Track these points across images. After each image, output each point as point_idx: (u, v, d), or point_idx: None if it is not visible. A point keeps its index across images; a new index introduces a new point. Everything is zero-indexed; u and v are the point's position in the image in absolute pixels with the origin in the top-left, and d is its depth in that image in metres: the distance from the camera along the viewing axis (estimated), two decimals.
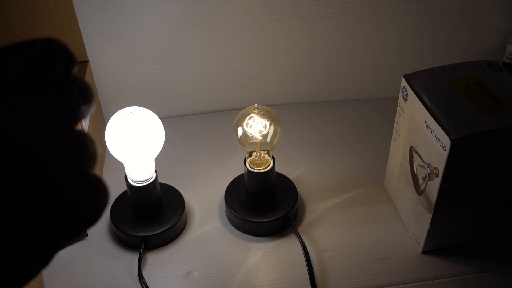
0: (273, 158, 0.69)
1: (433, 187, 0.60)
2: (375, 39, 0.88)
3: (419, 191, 0.65)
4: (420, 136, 0.62)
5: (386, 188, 0.77)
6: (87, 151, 0.26)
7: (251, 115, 0.67)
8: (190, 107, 0.92)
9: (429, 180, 0.61)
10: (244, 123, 0.67)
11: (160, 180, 0.71)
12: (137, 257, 0.67)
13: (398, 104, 0.67)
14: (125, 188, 0.71)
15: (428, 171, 0.61)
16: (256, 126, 0.67)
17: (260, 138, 0.67)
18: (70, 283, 0.66)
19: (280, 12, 0.83)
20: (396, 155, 0.71)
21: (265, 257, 0.68)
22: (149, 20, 0.80)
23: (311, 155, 0.83)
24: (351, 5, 0.83)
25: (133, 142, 0.63)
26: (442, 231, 0.65)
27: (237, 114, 0.68)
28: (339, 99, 0.94)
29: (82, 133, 0.26)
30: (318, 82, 0.92)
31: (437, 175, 0.59)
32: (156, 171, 0.68)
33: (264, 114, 0.67)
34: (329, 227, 0.72)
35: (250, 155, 0.69)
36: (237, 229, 0.72)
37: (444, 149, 0.56)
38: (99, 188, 0.27)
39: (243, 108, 0.68)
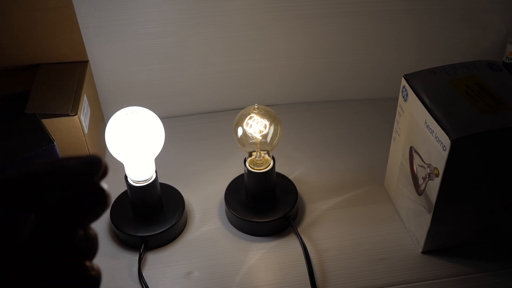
0: (273, 158, 0.69)
1: (433, 187, 0.60)
2: (375, 39, 0.88)
3: (419, 191, 0.65)
4: (420, 136, 0.62)
5: (386, 188, 0.77)
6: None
7: (251, 115, 0.67)
8: (190, 107, 0.92)
9: (429, 180, 0.61)
10: (244, 123, 0.67)
11: (160, 180, 0.71)
12: (137, 257, 0.67)
13: (398, 104, 0.67)
14: (125, 188, 0.71)
15: (428, 171, 0.61)
16: (256, 126, 0.67)
17: (260, 138, 0.67)
18: None
19: (280, 12, 0.83)
20: (396, 155, 0.71)
21: (265, 257, 0.68)
22: (149, 20, 0.80)
23: (311, 155, 0.83)
24: (351, 5, 0.83)
25: (133, 142, 0.63)
26: (442, 231, 0.65)
27: (237, 114, 0.68)
28: (339, 99, 0.94)
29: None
30: (318, 82, 0.92)
31: (437, 175, 0.59)
32: (156, 171, 0.68)
33: (264, 114, 0.67)
34: (329, 227, 0.72)
35: (250, 155, 0.69)
36: (237, 229, 0.72)
37: (444, 149, 0.56)
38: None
39: (243, 108, 0.68)
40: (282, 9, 0.82)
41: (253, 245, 0.70)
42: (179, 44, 0.84)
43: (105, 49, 0.82)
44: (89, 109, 0.76)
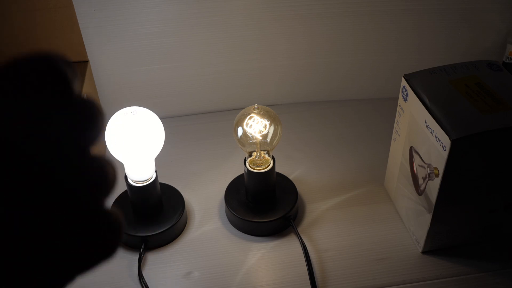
0: (273, 158, 0.69)
1: (433, 187, 0.60)
2: (375, 39, 0.88)
3: (419, 191, 0.65)
4: (420, 136, 0.62)
5: (386, 188, 0.77)
6: (106, 176, 0.25)
7: (251, 115, 0.67)
8: (190, 107, 0.92)
9: (429, 180, 0.61)
10: (244, 123, 0.67)
11: (160, 180, 0.71)
12: (137, 257, 0.67)
13: (398, 104, 0.67)
14: (125, 188, 0.71)
15: (428, 171, 0.61)
16: (256, 126, 0.67)
17: (260, 138, 0.67)
18: (70, 283, 0.66)
19: (280, 12, 0.83)
20: (396, 155, 0.71)
21: (265, 257, 0.68)
22: (149, 20, 0.80)
23: (311, 155, 0.83)
24: (351, 5, 0.83)
25: (133, 142, 0.63)
26: (442, 231, 0.65)
27: (237, 114, 0.68)
28: (339, 99, 0.94)
29: (102, 158, 0.25)
30: (318, 82, 0.92)
31: (437, 175, 0.59)
32: (156, 171, 0.68)
33: (264, 114, 0.67)
34: (329, 227, 0.72)
35: (250, 155, 0.69)
36: (237, 229, 0.72)
37: (444, 149, 0.56)
38: (117, 218, 0.26)
39: (243, 108, 0.68)
40: (282, 9, 0.82)
41: (253, 245, 0.70)
42: (179, 44, 0.84)
43: (105, 49, 0.82)
44: None
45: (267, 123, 0.67)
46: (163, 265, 0.68)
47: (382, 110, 0.91)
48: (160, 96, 0.89)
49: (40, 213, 0.23)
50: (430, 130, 0.59)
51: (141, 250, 0.67)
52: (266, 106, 0.68)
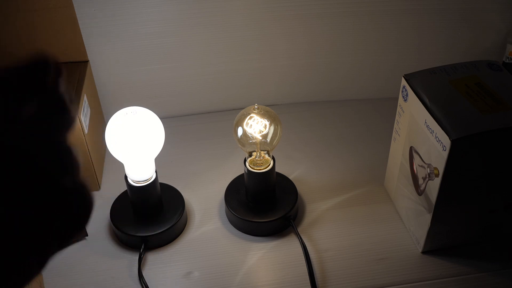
0: (273, 158, 0.69)
1: (433, 187, 0.60)
2: (375, 39, 0.88)
3: (419, 191, 0.65)
4: (420, 136, 0.62)
5: (386, 188, 0.77)
6: (75, 157, 0.28)
7: (251, 115, 0.67)
8: (190, 107, 0.92)
9: (429, 180, 0.61)
10: (244, 123, 0.67)
11: (160, 180, 0.71)
12: (137, 257, 0.67)
13: (398, 104, 0.67)
14: (125, 188, 0.71)
15: (428, 171, 0.61)
16: (256, 126, 0.67)
17: (260, 138, 0.67)
18: (70, 283, 0.66)
19: (280, 12, 0.83)
20: (396, 155, 0.71)
21: (265, 257, 0.68)
22: (149, 20, 0.80)
23: (311, 155, 0.83)
24: (351, 5, 0.83)
25: (133, 142, 0.63)
26: (442, 231, 0.65)
27: (237, 114, 0.68)
28: (339, 99, 0.94)
29: (68, 143, 0.28)
30: (318, 82, 0.92)
31: (437, 175, 0.59)
32: (156, 171, 0.68)
33: (264, 114, 0.67)
34: (329, 227, 0.72)
35: (250, 155, 0.69)
36: (237, 229, 0.72)
37: (444, 149, 0.56)
38: (87, 189, 0.28)
39: (243, 108, 0.68)
40: (282, 9, 0.82)
41: (253, 245, 0.70)
42: (179, 44, 0.84)
43: (105, 49, 0.82)
44: (89, 109, 0.76)
45: (267, 123, 0.67)
46: (163, 265, 0.68)
47: (382, 110, 0.91)
48: (160, 96, 0.89)
49: (18, 191, 0.25)
50: (430, 130, 0.59)
51: (141, 250, 0.67)
52: (266, 106, 0.68)
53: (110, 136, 0.64)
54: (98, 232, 0.72)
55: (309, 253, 0.68)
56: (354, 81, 0.93)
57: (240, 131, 0.67)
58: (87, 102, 0.75)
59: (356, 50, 0.89)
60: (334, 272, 0.66)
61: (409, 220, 0.70)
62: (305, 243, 0.68)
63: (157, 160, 0.68)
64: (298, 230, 0.70)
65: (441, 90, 0.61)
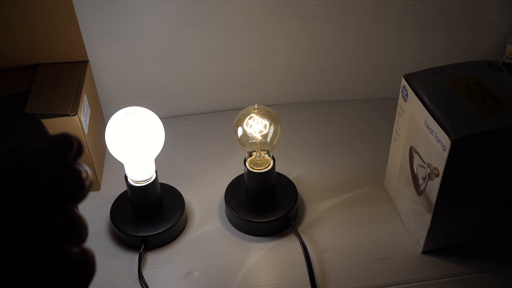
0: (273, 158, 0.69)
1: (433, 187, 0.60)
2: (375, 39, 0.88)
3: (419, 191, 0.65)
4: (420, 136, 0.62)
5: (386, 188, 0.77)
6: (85, 227, 0.31)
7: (251, 115, 0.67)
8: (190, 107, 0.92)
9: (429, 180, 0.61)
10: (244, 123, 0.67)
11: (160, 180, 0.71)
12: (137, 257, 0.67)
13: (398, 104, 0.67)
14: (125, 188, 0.71)
15: (428, 171, 0.61)
16: (256, 126, 0.67)
17: (260, 138, 0.67)
18: None
19: (280, 12, 0.83)
20: (396, 155, 0.71)
21: (265, 257, 0.68)
22: (149, 20, 0.80)
23: (311, 155, 0.83)
24: (351, 5, 0.83)
25: (133, 142, 0.63)
26: (442, 231, 0.65)
27: (237, 114, 0.68)
28: (339, 99, 0.94)
29: (78, 213, 0.31)
30: (318, 82, 0.92)
31: (437, 175, 0.59)
32: (156, 171, 0.68)
33: (264, 114, 0.67)
34: (329, 227, 0.72)
35: (250, 155, 0.69)
36: (237, 229, 0.72)
37: (444, 149, 0.56)
38: (91, 259, 0.31)
39: (243, 108, 0.68)
40: (282, 9, 0.82)
41: (253, 245, 0.70)
42: (179, 44, 0.84)
43: (105, 49, 0.82)
44: (89, 109, 0.76)
45: (267, 123, 0.67)
46: (163, 265, 0.68)
47: (382, 110, 0.91)
48: (160, 96, 0.89)
49: (24, 256, 0.28)
50: (430, 130, 0.59)
51: (141, 250, 0.67)
52: (266, 106, 0.68)
53: (110, 136, 0.64)
54: (98, 232, 0.72)
55: (309, 253, 0.68)
56: (354, 81, 0.93)
57: (240, 131, 0.67)
58: (87, 102, 0.75)
59: (356, 50, 0.89)
60: (334, 272, 0.66)
61: (409, 220, 0.70)
62: (305, 243, 0.68)
63: (157, 160, 0.68)
64: (298, 230, 0.70)
65: (441, 90, 0.61)
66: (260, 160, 0.69)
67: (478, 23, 0.87)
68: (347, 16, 0.84)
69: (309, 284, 0.64)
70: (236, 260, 0.68)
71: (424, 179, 0.63)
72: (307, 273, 0.65)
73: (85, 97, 0.75)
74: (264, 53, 0.87)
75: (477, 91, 0.61)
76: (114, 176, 0.79)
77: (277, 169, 0.73)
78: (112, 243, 0.71)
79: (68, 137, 0.31)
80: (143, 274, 0.66)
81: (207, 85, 0.89)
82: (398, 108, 0.68)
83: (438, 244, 0.67)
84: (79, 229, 0.30)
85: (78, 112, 0.70)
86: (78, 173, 0.30)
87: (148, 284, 0.65)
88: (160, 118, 0.66)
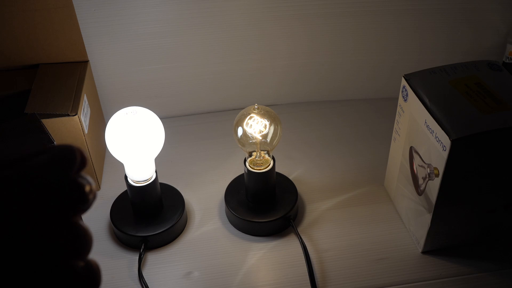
0: (273, 158, 0.69)
1: (433, 187, 0.60)
2: (375, 39, 0.88)
3: (419, 191, 0.65)
4: (420, 136, 0.62)
5: (386, 188, 0.77)
6: (89, 239, 0.31)
7: (251, 115, 0.67)
8: (190, 107, 0.92)
9: (429, 180, 0.61)
10: (244, 123, 0.67)
11: (160, 180, 0.71)
12: (137, 257, 0.67)
13: (398, 104, 0.67)
14: (125, 188, 0.71)
15: (428, 171, 0.61)
16: (256, 126, 0.67)
17: (260, 138, 0.67)
18: None
19: (280, 12, 0.83)
20: (396, 155, 0.71)
21: (265, 257, 0.68)
22: (149, 20, 0.80)
23: (311, 155, 0.83)
24: (351, 5, 0.83)
25: (133, 142, 0.63)
26: (442, 231, 0.65)
27: (237, 114, 0.68)
28: (339, 99, 0.94)
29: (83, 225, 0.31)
30: (318, 82, 0.92)
31: (437, 175, 0.59)
32: (156, 171, 0.68)
33: (264, 114, 0.67)
34: (329, 227, 0.72)
35: (250, 155, 0.69)
36: (237, 229, 0.72)
37: (444, 149, 0.56)
38: (96, 272, 0.31)
39: (243, 108, 0.68)
40: (282, 9, 0.82)
41: (253, 245, 0.70)
42: (179, 44, 0.84)
43: (105, 49, 0.82)
44: (89, 109, 0.76)
45: (267, 123, 0.67)
46: (163, 265, 0.68)
47: (382, 110, 0.91)
48: (160, 96, 0.89)
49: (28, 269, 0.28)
50: (430, 130, 0.59)
51: (141, 250, 0.67)
52: (266, 106, 0.68)
53: (110, 136, 0.64)
54: (98, 232, 0.72)
55: (309, 253, 0.68)
56: (354, 81, 0.93)
57: (240, 131, 0.67)
58: (87, 102, 0.75)
59: (356, 50, 0.89)
60: (334, 272, 0.66)
61: (409, 220, 0.70)
62: (305, 243, 0.68)
63: (157, 160, 0.68)
64: (298, 230, 0.70)
65: (441, 90, 0.61)
66: (260, 160, 0.69)
67: (478, 23, 0.87)
68: (347, 16, 0.84)
69: (309, 284, 0.64)
70: (236, 260, 0.68)
71: (424, 179, 0.63)
72: (307, 273, 0.65)
73: (85, 97, 0.75)
74: (264, 53, 0.87)
75: (477, 91, 0.61)
76: (114, 176, 0.79)
77: (277, 169, 0.73)
78: (112, 243, 0.71)
79: (71, 149, 0.30)
80: (143, 274, 0.66)
81: (207, 85, 0.89)
82: (398, 108, 0.68)
83: (438, 244, 0.67)
84: (84, 241, 0.30)
85: (78, 112, 0.70)
86: (81, 186, 0.30)
87: (148, 284, 0.65)
88: (160, 118, 0.66)
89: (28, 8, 0.73)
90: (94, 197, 0.31)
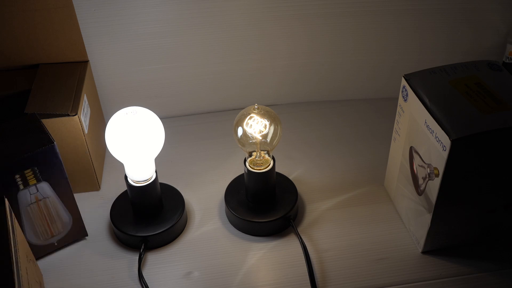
0: (273, 158, 0.69)
1: (433, 187, 0.60)
2: (375, 39, 0.88)
3: (419, 191, 0.65)
4: (420, 136, 0.62)
5: (386, 188, 0.77)
6: None
7: (251, 115, 0.67)
8: (190, 107, 0.92)
9: (429, 180, 0.61)
10: (244, 123, 0.67)
11: (160, 180, 0.71)
12: (137, 257, 0.67)
13: (398, 104, 0.67)
14: (125, 188, 0.71)
15: (428, 171, 0.61)
16: (256, 126, 0.67)
17: (260, 138, 0.67)
18: (70, 283, 0.66)
19: (280, 12, 0.83)
20: (396, 155, 0.71)
21: (265, 257, 0.68)
22: (149, 20, 0.80)
23: (311, 155, 0.83)
24: (351, 5, 0.83)
25: (133, 142, 0.63)
26: (442, 231, 0.65)
27: (237, 114, 0.68)
28: (339, 99, 0.94)
29: None
30: (318, 82, 0.92)
31: (437, 175, 0.59)
32: (156, 171, 0.68)
33: (264, 114, 0.67)
34: (329, 227, 0.72)
35: (250, 155, 0.69)
36: (237, 229, 0.72)
37: (444, 149, 0.56)
38: None
39: (243, 108, 0.68)
40: (282, 9, 0.82)
41: (253, 245, 0.70)
42: (179, 44, 0.84)
43: (105, 49, 0.82)
44: (89, 109, 0.76)
45: (267, 123, 0.67)
46: (163, 265, 0.68)
47: (382, 110, 0.91)
48: (160, 96, 0.89)
49: None
50: (430, 130, 0.59)
51: (141, 250, 0.67)
52: (266, 106, 0.68)
53: (110, 136, 0.64)
54: (98, 232, 0.72)
55: (309, 253, 0.68)
56: (354, 81, 0.93)
57: (240, 131, 0.67)
58: (87, 102, 0.75)
59: (356, 50, 0.89)
60: (334, 272, 0.66)
61: (409, 220, 0.70)
62: (305, 243, 0.68)
63: (157, 160, 0.68)
64: (298, 230, 0.70)
65: (441, 90, 0.61)
66: (260, 160, 0.69)
67: (478, 23, 0.87)
68: (347, 16, 0.84)
69: (309, 284, 0.64)
70: (236, 260, 0.68)
71: (424, 179, 0.63)
72: (307, 273, 0.65)
73: (85, 97, 0.75)
74: (264, 53, 0.87)
75: (477, 91, 0.61)
76: (114, 176, 0.79)
77: (277, 169, 0.73)
78: (112, 243, 0.71)
79: None
80: (143, 274, 0.66)
81: (207, 85, 0.89)
82: (398, 108, 0.68)
83: (438, 244, 0.67)
84: None
85: (78, 112, 0.70)
86: None
87: (148, 284, 0.65)
88: (160, 118, 0.66)
89: (28, 8, 0.73)
90: None
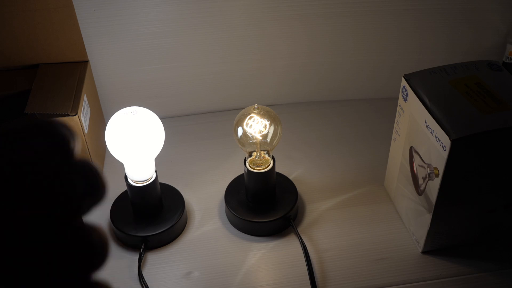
0: (273, 158, 0.69)
1: (433, 187, 0.60)
2: (375, 39, 0.88)
3: (419, 191, 0.65)
4: (420, 136, 0.62)
5: (386, 188, 0.77)
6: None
7: (251, 115, 0.67)
8: (190, 107, 0.92)
9: (429, 180, 0.61)
10: (244, 123, 0.67)
11: (160, 180, 0.71)
12: (137, 257, 0.67)
13: (398, 104, 0.67)
14: (125, 188, 0.71)
15: (428, 171, 0.61)
16: (256, 126, 0.67)
17: (260, 138, 0.67)
18: None
19: (280, 12, 0.83)
20: (396, 155, 0.71)
21: (265, 257, 0.68)
22: (149, 20, 0.80)
23: (311, 155, 0.83)
24: (351, 5, 0.83)
25: (133, 142, 0.63)
26: (442, 231, 0.65)
27: (237, 114, 0.68)
28: (339, 99, 0.94)
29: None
30: (318, 82, 0.92)
31: (437, 175, 0.59)
32: (156, 171, 0.68)
33: (264, 114, 0.67)
34: (329, 227, 0.72)
35: (250, 155, 0.69)
36: (237, 229, 0.72)
37: (444, 149, 0.56)
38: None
39: (243, 108, 0.68)
40: (282, 9, 0.82)
41: (253, 245, 0.70)
42: (179, 44, 0.84)
43: (105, 49, 0.82)
44: (89, 109, 0.76)
45: (267, 123, 0.67)
46: (163, 265, 0.68)
47: (382, 110, 0.91)
48: (160, 96, 0.89)
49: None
50: (430, 130, 0.59)
51: (141, 250, 0.67)
52: (266, 106, 0.68)
53: (110, 136, 0.64)
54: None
55: (309, 253, 0.68)
56: (354, 81, 0.93)
57: (240, 131, 0.67)
58: (87, 102, 0.75)
59: (356, 50, 0.89)
60: (334, 272, 0.66)
61: (409, 220, 0.70)
62: (305, 243, 0.68)
63: (157, 160, 0.68)
64: (298, 230, 0.70)
65: (441, 90, 0.61)
66: (260, 160, 0.69)
67: (478, 23, 0.87)
68: (347, 16, 0.84)
69: (309, 284, 0.64)
70: (236, 260, 0.68)
71: (424, 179, 0.63)
72: (307, 273, 0.65)
73: (85, 97, 0.75)
74: (264, 53, 0.87)
75: (477, 91, 0.61)
76: (114, 176, 0.79)
77: (277, 169, 0.73)
78: (112, 243, 0.71)
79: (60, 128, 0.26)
80: (143, 274, 0.66)
81: (207, 85, 0.89)
82: (398, 108, 0.68)
83: (438, 244, 0.67)
84: (100, 247, 0.27)
85: (78, 112, 0.70)
86: (91, 169, 0.27)
87: (148, 284, 0.65)
88: (160, 118, 0.66)
89: (28, 8, 0.73)
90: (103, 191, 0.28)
